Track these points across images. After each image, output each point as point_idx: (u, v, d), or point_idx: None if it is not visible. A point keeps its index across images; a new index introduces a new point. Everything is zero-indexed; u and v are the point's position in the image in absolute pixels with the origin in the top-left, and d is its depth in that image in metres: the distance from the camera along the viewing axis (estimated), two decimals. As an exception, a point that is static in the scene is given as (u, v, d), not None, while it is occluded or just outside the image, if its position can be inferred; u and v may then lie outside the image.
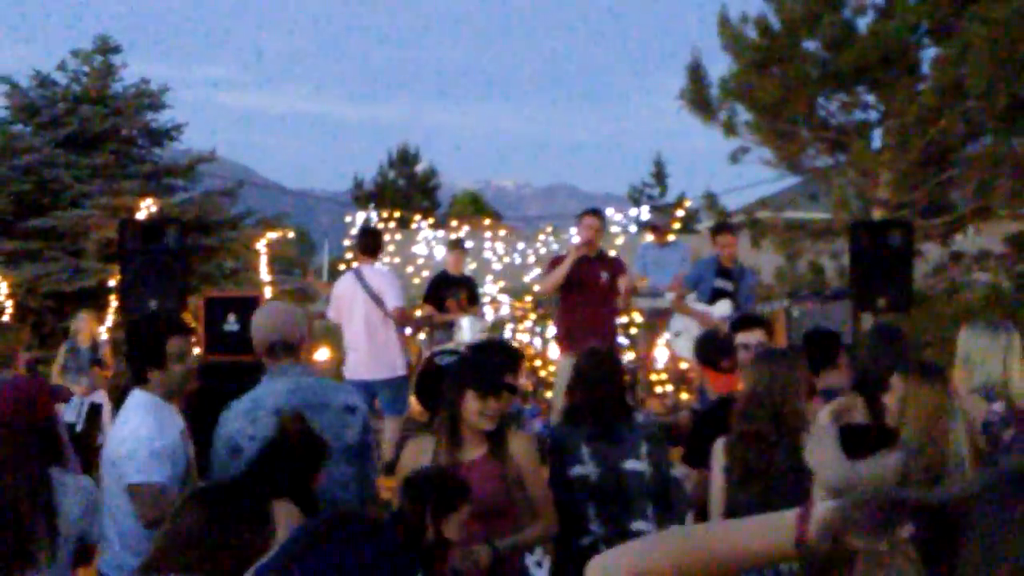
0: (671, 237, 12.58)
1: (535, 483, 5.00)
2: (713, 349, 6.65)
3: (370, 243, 10.19)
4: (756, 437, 4.96)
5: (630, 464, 5.56)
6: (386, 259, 17.61)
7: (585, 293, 9.73)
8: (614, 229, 18.01)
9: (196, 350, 9.99)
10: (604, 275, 9.87)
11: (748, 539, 1.88)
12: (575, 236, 13.52)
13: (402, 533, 4.34)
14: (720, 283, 10.50)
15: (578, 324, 9.47)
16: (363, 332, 9.78)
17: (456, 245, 12.69)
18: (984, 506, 1.68)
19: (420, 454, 4.88)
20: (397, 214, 18.94)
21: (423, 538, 4.37)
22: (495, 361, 5.33)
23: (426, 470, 4.70)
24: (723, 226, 11.53)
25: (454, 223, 19.30)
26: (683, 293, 10.75)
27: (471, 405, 4.75)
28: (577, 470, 5.47)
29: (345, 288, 10.07)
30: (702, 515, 5.69)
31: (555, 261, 10.11)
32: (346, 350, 9.24)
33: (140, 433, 4.77)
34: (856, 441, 4.85)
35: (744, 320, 6.81)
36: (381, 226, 18.28)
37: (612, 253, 11.08)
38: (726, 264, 10.69)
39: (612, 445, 5.47)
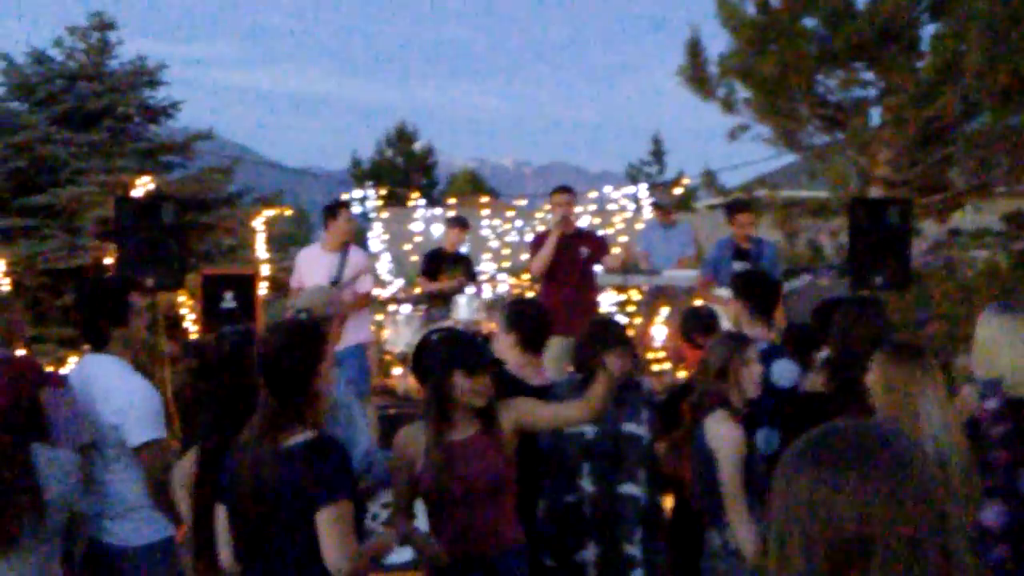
0: (675, 217, 12.56)
1: (540, 411, 4.92)
2: (692, 325, 6.74)
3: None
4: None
5: (629, 427, 5.63)
6: (383, 236, 17.62)
7: (565, 270, 9.77)
8: (611, 207, 17.99)
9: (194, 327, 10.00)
10: (583, 250, 9.91)
11: None
12: (549, 215, 13.53)
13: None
14: (737, 265, 10.41)
15: (561, 302, 9.47)
16: None
17: (457, 222, 12.66)
18: (778, 471, 1.72)
19: (412, 438, 4.83)
20: (385, 191, 18.90)
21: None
22: (478, 339, 5.35)
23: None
24: (739, 204, 11.39)
25: (452, 201, 19.26)
26: (707, 281, 10.71)
27: (461, 384, 4.69)
28: (574, 427, 5.50)
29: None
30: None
31: (536, 243, 10.11)
32: None
33: (144, 393, 4.94)
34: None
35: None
36: (379, 203, 18.28)
37: (585, 226, 11.07)
38: (742, 244, 10.66)
39: (614, 406, 5.47)
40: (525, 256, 17.41)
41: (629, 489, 5.55)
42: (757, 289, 6.82)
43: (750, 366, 5.16)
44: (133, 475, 4.94)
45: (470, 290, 12.02)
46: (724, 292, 9.90)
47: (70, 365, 13.40)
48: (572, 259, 9.81)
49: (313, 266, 9.91)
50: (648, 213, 13.05)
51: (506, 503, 4.80)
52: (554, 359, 9.23)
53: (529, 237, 17.97)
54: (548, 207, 18.19)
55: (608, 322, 6.33)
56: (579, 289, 9.83)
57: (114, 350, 5.07)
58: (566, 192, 10.26)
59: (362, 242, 18.13)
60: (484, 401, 4.74)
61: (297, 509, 3.85)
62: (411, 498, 4.83)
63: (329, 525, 3.80)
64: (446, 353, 4.77)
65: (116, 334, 5.07)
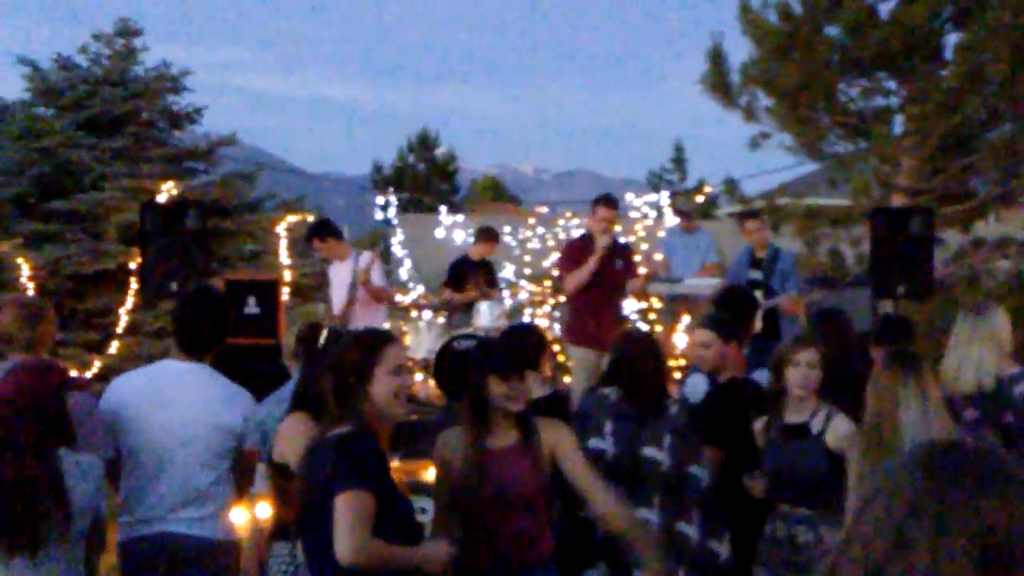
0: (697, 223, 12.52)
1: (577, 466, 4.87)
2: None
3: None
4: None
5: (649, 451, 5.55)
6: (405, 243, 17.66)
7: (598, 283, 9.63)
8: (633, 215, 17.98)
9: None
10: (618, 263, 9.79)
11: None
12: (585, 223, 13.49)
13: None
14: (753, 274, 10.41)
15: (588, 312, 9.39)
16: None
17: (489, 235, 12.73)
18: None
19: (451, 444, 4.84)
20: (407, 197, 18.96)
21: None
22: (516, 342, 5.35)
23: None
24: (746, 212, 11.44)
25: (473, 207, 19.28)
26: None
27: (496, 389, 4.70)
28: (595, 443, 5.47)
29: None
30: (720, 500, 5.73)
31: (568, 250, 9.99)
32: None
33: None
34: None
35: (700, 318, 6.97)
36: (400, 209, 18.35)
37: (623, 239, 10.91)
38: (757, 253, 10.64)
39: (637, 428, 5.46)
40: (546, 263, 17.45)
41: (643, 514, 5.46)
42: (732, 302, 6.90)
43: None
44: (232, 479, 5.26)
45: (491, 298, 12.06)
46: None
47: (93, 369, 13.50)
48: (608, 271, 9.65)
49: (335, 277, 10.66)
50: (670, 220, 13.05)
51: (540, 515, 4.80)
52: (583, 371, 9.23)
53: (550, 243, 18.03)
54: (569, 214, 18.26)
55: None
56: (610, 302, 9.71)
57: (208, 359, 5.36)
58: (612, 206, 9.93)
59: (385, 248, 18.20)
60: (520, 406, 4.75)
61: (320, 496, 3.96)
62: (451, 505, 4.83)
63: (339, 513, 3.88)
64: (481, 358, 4.81)
65: (221, 344, 5.41)
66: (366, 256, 10.69)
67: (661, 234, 13.58)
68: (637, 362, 5.65)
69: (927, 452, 1.78)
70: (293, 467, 4.60)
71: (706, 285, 11.16)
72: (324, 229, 10.99)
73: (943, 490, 1.69)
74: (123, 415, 5.16)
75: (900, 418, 4.56)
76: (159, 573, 5.08)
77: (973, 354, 5.67)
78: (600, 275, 9.59)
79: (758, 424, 5.57)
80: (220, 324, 5.38)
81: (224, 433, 5.16)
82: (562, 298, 14.92)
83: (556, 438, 4.85)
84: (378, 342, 4.22)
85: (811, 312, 8.33)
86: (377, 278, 10.54)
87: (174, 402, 5.16)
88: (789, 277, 10.54)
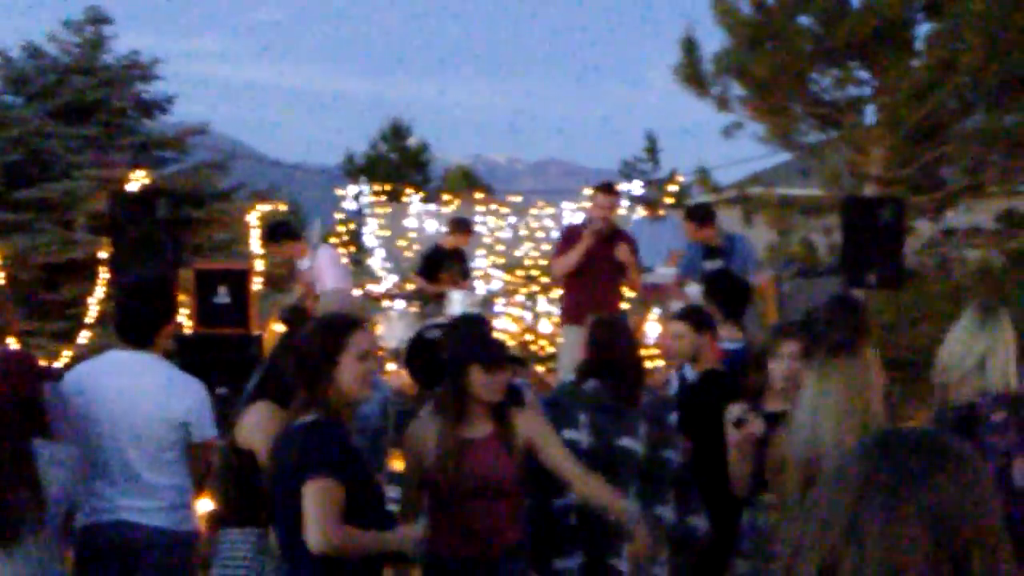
0: (662, 212, 12.48)
1: (554, 451, 4.88)
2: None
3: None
4: None
5: (625, 441, 5.54)
6: (378, 232, 17.60)
7: (596, 269, 9.47)
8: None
9: (187, 322, 10.02)
10: (622, 249, 9.68)
11: None
12: (566, 211, 13.37)
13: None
14: (708, 264, 10.33)
15: (587, 298, 9.30)
16: None
17: (462, 226, 12.70)
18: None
19: (423, 433, 4.82)
20: (381, 188, 18.90)
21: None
22: (493, 333, 5.34)
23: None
24: (689, 213, 11.05)
25: (446, 197, 19.26)
26: (681, 281, 10.65)
27: (477, 379, 4.70)
28: (569, 434, 5.44)
29: None
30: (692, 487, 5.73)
31: (565, 236, 9.88)
32: None
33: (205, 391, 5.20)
34: None
35: (673, 311, 6.90)
36: (372, 199, 18.27)
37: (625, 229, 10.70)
38: (711, 242, 10.50)
39: (611, 419, 5.45)
40: (518, 252, 17.45)
41: None
42: (723, 290, 6.87)
43: None
44: (185, 470, 5.15)
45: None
46: (693, 290, 9.76)
47: (63, 359, 13.40)
48: (605, 257, 9.46)
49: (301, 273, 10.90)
50: (640, 212, 13.04)
51: (512, 505, 4.81)
52: (575, 349, 9.15)
53: (523, 233, 18.01)
54: (542, 204, 18.26)
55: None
56: (607, 289, 9.53)
57: (157, 348, 5.22)
58: (610, 193, 9.79)
59: (357, 238, 18.14)
60: (499, 396, 4.76)
61: (289, 484, 3.97)
62: (420, 494, 4.83)
63: (307, 501, 3.90)
64: (464, 348, 4.79)
65: (164, 332, 5.23)
66: (322, 255, 10.76)
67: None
68: (613, 351, 5.65)
69: (875, 438, 1.78)
70: (259, 455, 4.59)
71: (671, 275, 11.14)
72: (277, 232, 10.91)
73: (892, 472, 1.69)
74: (71, 407, 5.09)
75: (801, 406, 4.62)
76: (112, 562, 5.03)
77: (999, 355, 5.49)
78: (596, 260, 9.43)
79: (735, 409, 5.54)
80: (156, 311, 5.23)
81: (168, 424, 5.05)
82: (535, 288, 14.95)
83: (531, 427, 4.86)
84: (345, 327, 4.20)
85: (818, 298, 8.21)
86: (332, 277, 10.44)
87: (118, 393, 5.05)
88: (749, 259, 10.47)
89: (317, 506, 3.89)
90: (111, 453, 5.02)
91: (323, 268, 10.38)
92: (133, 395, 5.05)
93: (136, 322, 5.20)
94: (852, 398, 4.58)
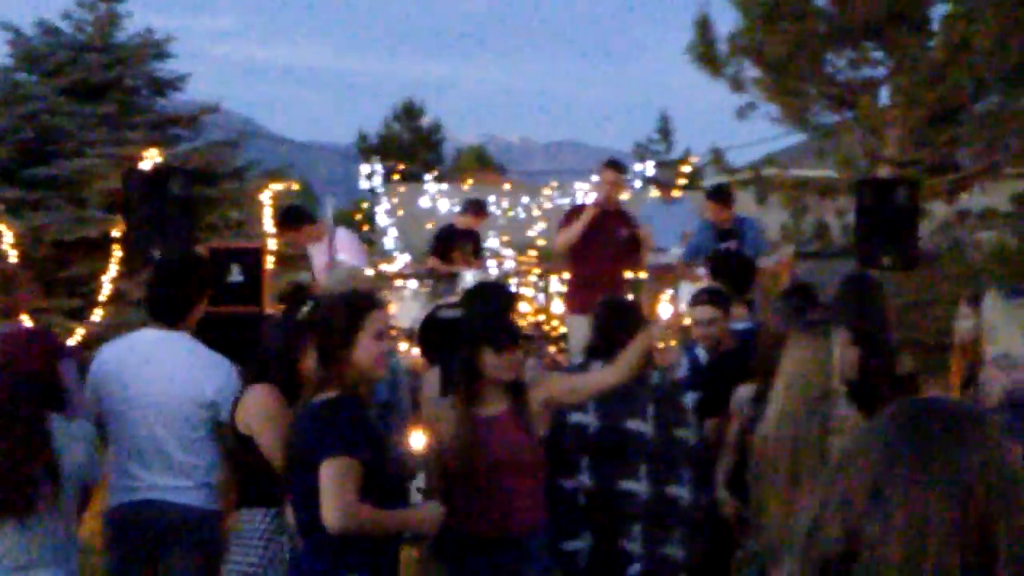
0: (676, 193, 12.44)
1: (574, 384, 5.06)
2: None
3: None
4: None
5: (633, 424, 5.51)
6: (392, 212, 17.61)
7: (600, 248, 9.42)
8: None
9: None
10: (623, 231, 9.59)
11: None
12: (579, 191, 13.30)
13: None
14: (723, 246, 10.27)
15: (588, 280, 9.24)
16: None
17: (477, 207, 12.69)
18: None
19: (440, 415, 4.87)
20: (395, 167, 18.90)
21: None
22: (506, 313, 5.34)
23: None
24: (713, 193, 11.05)
25: (467, 180, 19.26)
26: (690, 262, 10.60)
27: (490, 360, 4.73)
28: (576, 418, 5.44)
29: None
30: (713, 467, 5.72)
31: (572, 213, 9.84)
32: None
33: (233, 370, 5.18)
34: None
35: (697, 295, 6.79)
36: (390, 179, 18.29)
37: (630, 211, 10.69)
38: (722, 224, 10.46)
39: (619, 401, 5.43)
40: (531, 232, 17.43)
41: (629, 485, 5.42)
42: (732, 269, 6.83)
43: None
44: (214, 448, 5.16)
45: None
46: (703, 271, 9.61)
47: (76, 337, 13.44)
48: (608, 238, 9.42)
49: (315, 256, 10.54)
50: (653, 193, 13.00)
51: (533, 482, 4.83)
52: (580, 340, 9.13)
53: (536, 213, 18.00)
54: (555, 184, 18.24)
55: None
56: (611, 271, 9.42)
57: (188, 327, 5.23)
58: (616, 169, 9.78)
59: (371, 217, 18.14)
60: (512, 375, 4.79)
61: (307, 461, 3.98)
62: (440, 471, 4.82)
63: (325, 479, 3.90)
64: (476, 330, 4.80)
65: (195, 311, 5.25)
66: (341, 236, 10.49)
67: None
68: (620, 334, 5.62)
69: (900, 407, 1.78)
70: (257, 438, 4.60)
71: (682, 255, 11.08)
72: (297, 216, 10.77)
73: (917, 440, 1.69)
74: (103, 385, 5.13)
75: (778, 383, 4.66)
76: (143, 540, 5.07)
77: None
78: (600, 243, 9.38)
79: (743, 391, 5.51)
80: (189, 291, 5.26)
81: (198, 403, 5.07)
82: (547, 267, 14.92)
83: (544, 390, 4.91)
84: (364, 306, 4.20)
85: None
86: (352, 256, 10.36)
87: (149, 372, 5.09)
88: (758, 244, 10.44)
89: (335, 484, 3.89)
90: (142, 432, 5.07)
91: (341, 249, 10.32)
92: (164, 375, 5.08)
93: (168, 301, 5.23)
94: (808, 372, 4.61)
